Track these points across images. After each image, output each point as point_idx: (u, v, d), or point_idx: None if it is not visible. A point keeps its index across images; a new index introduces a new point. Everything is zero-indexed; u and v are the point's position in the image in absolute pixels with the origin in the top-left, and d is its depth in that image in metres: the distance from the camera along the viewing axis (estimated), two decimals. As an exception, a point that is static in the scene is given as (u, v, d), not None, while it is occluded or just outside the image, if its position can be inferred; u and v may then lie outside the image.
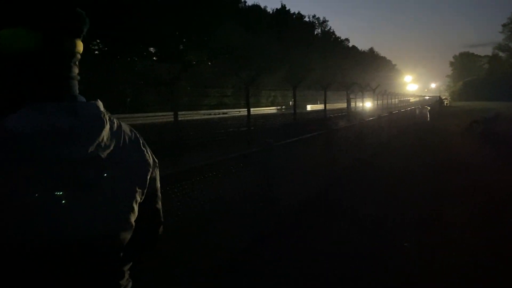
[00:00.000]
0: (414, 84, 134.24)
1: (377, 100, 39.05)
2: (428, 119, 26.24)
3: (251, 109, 10.52)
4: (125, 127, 1.08)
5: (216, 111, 28.47)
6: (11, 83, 0.95)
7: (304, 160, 6.58)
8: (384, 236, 4.73)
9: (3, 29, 0.92)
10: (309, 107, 37.84)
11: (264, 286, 3.62)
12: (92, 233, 0.94)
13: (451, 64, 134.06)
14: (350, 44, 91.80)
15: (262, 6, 59.90)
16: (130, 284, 1.11)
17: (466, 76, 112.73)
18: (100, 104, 1.02)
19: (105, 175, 0.97)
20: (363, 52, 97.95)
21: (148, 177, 1.10)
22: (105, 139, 0.98)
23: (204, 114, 26.18)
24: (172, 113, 8.64)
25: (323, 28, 79.13)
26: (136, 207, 1.05)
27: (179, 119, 8.70)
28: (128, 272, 1.11)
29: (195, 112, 24.79)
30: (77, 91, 1.03)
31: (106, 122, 0.99)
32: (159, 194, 1.19)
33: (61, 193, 0.89)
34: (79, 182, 0.92)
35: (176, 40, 40.78)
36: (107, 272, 1.01)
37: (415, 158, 10.71)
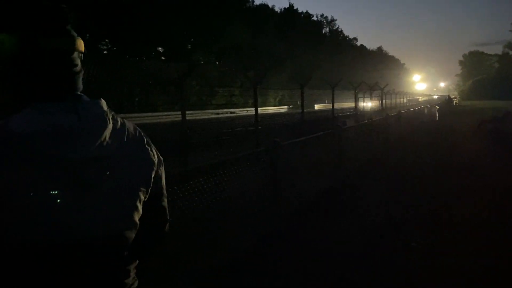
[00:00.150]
0: (423, 83, 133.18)
1: (386, 99, 38.82)
2: (437, 118, 26.04)
3: (259, 108, 10.49)
4: (129, 126, 1.07)
5: (224, 110, 28.51)
6: (13, 84, 0.96)
7: (311, 159, 6.56)
8: (393, 236, 4.70)
9: None
10: (316, 106, 37.72)
11: (269, 286, 3.60)
12: (95, 233, 0.94)
13: (461, 63, 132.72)
14: (358, 43, 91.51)
15: (270, 6, 59.87)
16: (136, 283, 1.10)
17: (475, 75, 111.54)
18: (103, 103, 1.01)
19: (108, 174, 0.96)
20: (372, 51, 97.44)
21: (153, 176, 1.09)
22: (107, 138, 0.97)
23: (211, 114, 26.25)
24: (180, 112, 8.65)
25: (331, 27, 78.95)
26: (140, 206, 1.05)
27: (187, 118, 8.70)
28: (135, 271, 1.10)
29: (202, 111, 24.87)
30: (80, 90, 1.02)
31: (109, 121, 0.99)
32: (165, 192, 1.19)
33: (62, 192, 0.89)
34: (81, 182, 0.92)
35: (184, 40, 40.89)
36: (111, 271, 1.00)
37: (424, 158, 10.62)
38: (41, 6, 0.97)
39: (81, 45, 1.01)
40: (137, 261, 1.11)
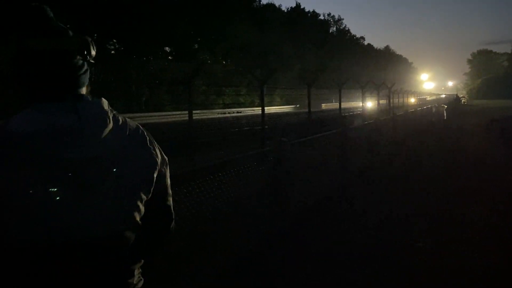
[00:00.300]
0: (431, 82, 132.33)
1: (393, 99, 38.59)
2: (445, 117, 25.85)
3: (265, 107, 10.50)
4: (131, 125, 1.06)
5: (231, 110, 28.54)
6: (14, 85, 0.96)
7: (318, 159, 6.53)
8: (400, 237, 4.67)
9: None
10: (323, 106, 37.64)
11: (272, 287, 3.59)
12: (95, 233, 0.93)
13: (469, 61, 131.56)
14: (366, 42, 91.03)
15: (277, 5, 59.68)
16: (141, 282, 1.09)
17: (484, 74, 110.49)
18: (105, 102, 1.01)
19: (108, 174, 0.96)
20: (379, 50, 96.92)
21: (155, 175, 1.08)
22: (107, 138, 0.97)
23: (218, 113, 26.27)
24: (186, 112, 8.69)
25: (338, 26, 78.64)
26: (141, 205, 1.04)
27: (194, 118, 8.72)
28: (139, 270, 1.09)
29: (209, 111, 24.91)
30: (83, 90, 1.02)
31: (109, 120, 0.98)
32: (170, 191, 1.18)
33: (62, 192, 0.89)
34: (81, 182, 0.92)
35: (191, 39, 40.99)
36: (112, 271, 1.00)
37: (432, 158, 10.55)
38: (22, 7, 0.96)
39: (84, 45, 1.00)
40: (142, 261, 1.10)
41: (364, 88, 20.80)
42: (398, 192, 6.86)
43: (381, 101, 29.59)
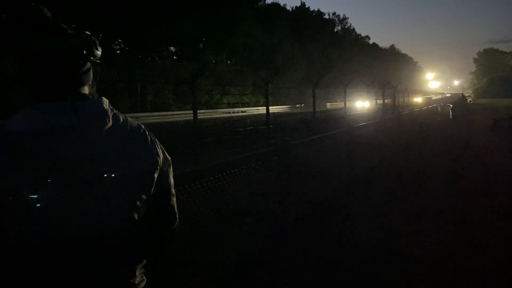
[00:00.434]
0: (436, 81, 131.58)
1: (398, 98, 38.48)
2: (451, 117, 25.69)
3: (270, 107, 10.52)
4: (132, 124, 1.06)
5: (235, 109, 28.54)
6: (15, 85, 0.97)
7: (323, 158, 6.52)
8: (405, 237, 4.66)
9: None
10: (328, 105, 37.57)
11: (276, 287, 3.58)
12: (94, 232, 0.93)
13: (475, 60, 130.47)
14: (371, 42, 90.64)
15: (282, 4, 59.57)
16: (144, 282, 1.09)
17: (490, 72, 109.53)
18: (105, 101, 1.00)
19: (106, 174, 0.95)
20: (384, 50, 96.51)
21: (156, 175, 1.07)
22: (106, 137, 0.96)
23: (223, 113, 26.28)
24: (191, 111, 8.72)
25: (343, 26, 78.25)
26: (141, 205, 1.03)
27: (199, 117, 8.75)
28: (142, 270, 1.09)
29: (214, 110, 24.93)
30: (85, 90, 1.02)
31: (109, 120, 0.98)
32: (173, 191, 1.17)
33: (60, 192, 0.89)
34: (79, 181, 0.91)
35: (195, 39, 41.03)
36: (113, 270, 0.99)
37: (438, 159, 10.50)
38: (19, 8, 0.96)
39: (84, 44, 0.99)
40: (144, 261, 1.09)
41: (369, 87, 20.74)
42: (405, 192, 6.84)
43: (386, 101, 29.49)
